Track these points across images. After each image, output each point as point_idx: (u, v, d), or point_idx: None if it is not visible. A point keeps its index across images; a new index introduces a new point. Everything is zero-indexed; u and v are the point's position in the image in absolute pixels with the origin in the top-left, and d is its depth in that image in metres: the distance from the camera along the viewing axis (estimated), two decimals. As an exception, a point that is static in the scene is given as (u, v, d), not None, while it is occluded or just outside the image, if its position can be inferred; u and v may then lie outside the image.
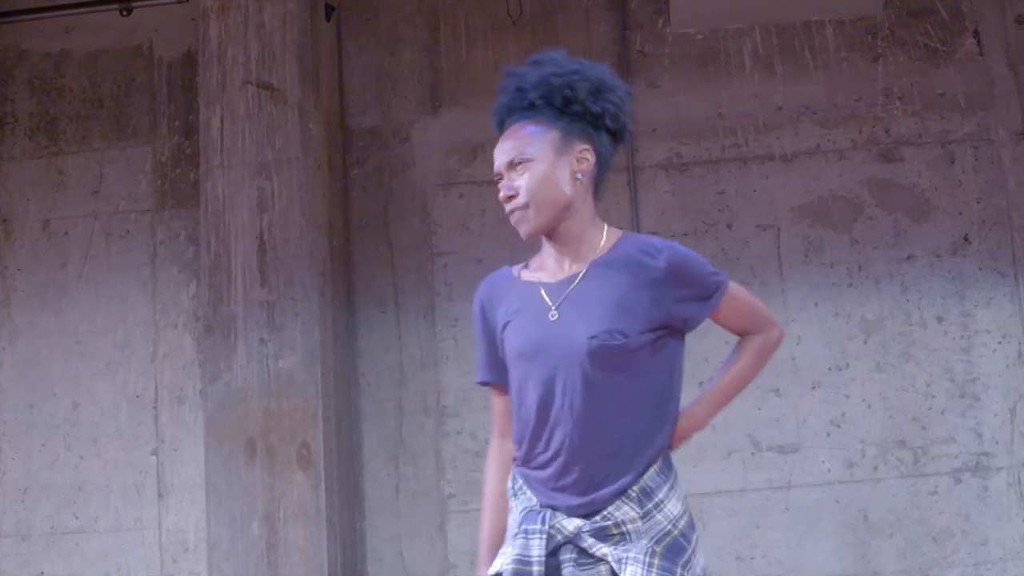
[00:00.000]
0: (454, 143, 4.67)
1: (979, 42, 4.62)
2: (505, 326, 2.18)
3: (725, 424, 4.38)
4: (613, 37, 4.74)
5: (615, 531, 2.06)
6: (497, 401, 2.28)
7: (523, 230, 2.14)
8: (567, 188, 2.13)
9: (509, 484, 2.21)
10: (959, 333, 4.42)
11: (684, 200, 4.58)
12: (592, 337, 2.05)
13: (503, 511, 2.22)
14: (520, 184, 2.12)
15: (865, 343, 4.43)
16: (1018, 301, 4.41)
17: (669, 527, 2.08)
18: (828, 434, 4.38)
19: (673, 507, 2.10)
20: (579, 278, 2.12)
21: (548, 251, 2.20)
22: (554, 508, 2.09)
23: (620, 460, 2.07)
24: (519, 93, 2.17)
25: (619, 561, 2.03)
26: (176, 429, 4.59)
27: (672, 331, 2.13)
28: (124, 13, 4.82)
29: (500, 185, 2.16)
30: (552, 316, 2.11)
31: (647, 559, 2.02)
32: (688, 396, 2.26)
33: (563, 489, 2.09)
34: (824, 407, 4.40)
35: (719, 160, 4.61)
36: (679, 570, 2.03)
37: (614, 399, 2.07)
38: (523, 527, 2.10)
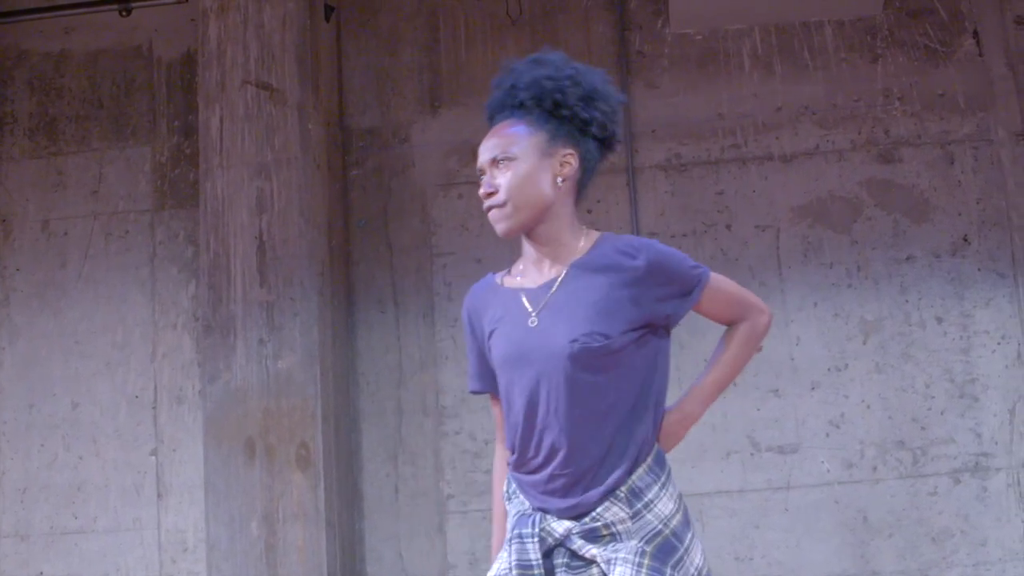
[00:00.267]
0: (454, 143, 4.67)
1: (978, 43, 4.62)
2: (491, 334, 2.18)
3: (724, 424, 4.38)
4: (612, 37, 4.74)
5: (605, 532, 2.05)
6: (495, 409, 2.28)
7: (499, 228, 2.14)
8: (547, 191, 2.13)
9: (504, 488, 2.22)
10: (958, 334, 4.42)
11: (683, 201, 4.58)
12: (573, 340, 2.05)
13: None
14: (501, 182, 2.12)
15: (864, 344, 4.43)
16: (1017, 302, 4.41)
17: (660, 527, 2.07)
18: (827, 435, 4.38)
19: (664, 506, 2.09)
20: (558, 282, 2.12)
21: (527, 254, 2.20)
22: (545, 511, 2.09)
23: (608, 461, 2.07)
24: (511, 91, 2.18)
25: (608, 562, 2.03)
26: (175, 429, 4.59)
27: (655, 329, 2.12)
28: (124, 13, 4.82)
29: (481, 180, 2.16)
30: (532, 322, 2.11)
31: (636, 559, 2.01)
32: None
33: (553, 492, 2.09)
34: (823, 407, 4.40)
35: (718, 161, 4.61)
36: (669, 570, 2.02)
37: (599, 400, 2.06)
38: (516, 531, 2.10)
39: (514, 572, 2.07)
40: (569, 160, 2.15)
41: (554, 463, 2.08)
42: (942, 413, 4.37)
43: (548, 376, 2.07)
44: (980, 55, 4.62)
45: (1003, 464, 4.32)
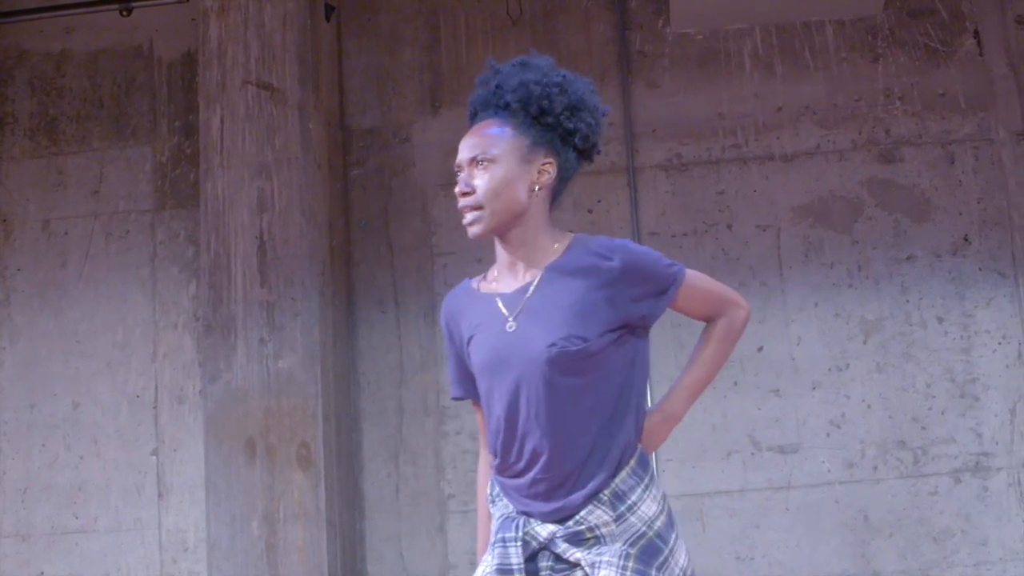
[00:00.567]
0: (454, 143, 4.57)
1: (979, 42, 4.62)
2: (469, 340, 2.17)
3: (725, 424, 4.38)
4: (613, 37, 4.74)
5: (589, 535, 2.05)
6: (478, 414, 2.28)
7: (472, 230, 2.13)
8: (523, 197, 2.11)
9: (488, 491, 2.21)
10: (959, 333, 4.42)
11: (684, 200, 4.58)
12: (551, 345, 2.04)
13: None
14: (479, 184, 2.11)
15: (865, 343, 4.43)
16: (1018, 301, 4.41)
17: (644, 529, 2.06)
18: (828, 434, 4.38)
19: (648, 508, 2.08)
20: (534, 286, 2.11)
21: (501, 257, 2.18)
22: (529, 515, 2.09)
23: (590, 464, 2.06)
24: (497, 91, 2.16)
25: (592, 565, 2.02)
26: (176, 429, 4.60)
27: (632, 329, 2.11)
28: (124, 13, 4.82)
29: (458, 178, 2.15)
30: (510, 327, 2.10)
31: (621, 562, 2.00)
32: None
33: (536, 496, 2.08)
34: (824, 407, 4.40)
35: (719, 160, 4.61)
36: (654, 572, 2.01)
37: (579, 404, 2.06)
38: (500, 535, 2.10)
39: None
40: (548, 169, 2.14)
41: (536, 467, 2.07)
42: (943, 413, 4.37)
43: (527, 381, 2.06)
44: (981, 55, 4.61)
45: (1004, 464, 4.31)
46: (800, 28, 4.68)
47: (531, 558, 2.08)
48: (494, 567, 2.07)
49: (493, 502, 2.18)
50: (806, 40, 4.68)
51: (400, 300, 4.60)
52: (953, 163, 4.54)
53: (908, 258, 4.48)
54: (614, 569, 2.00)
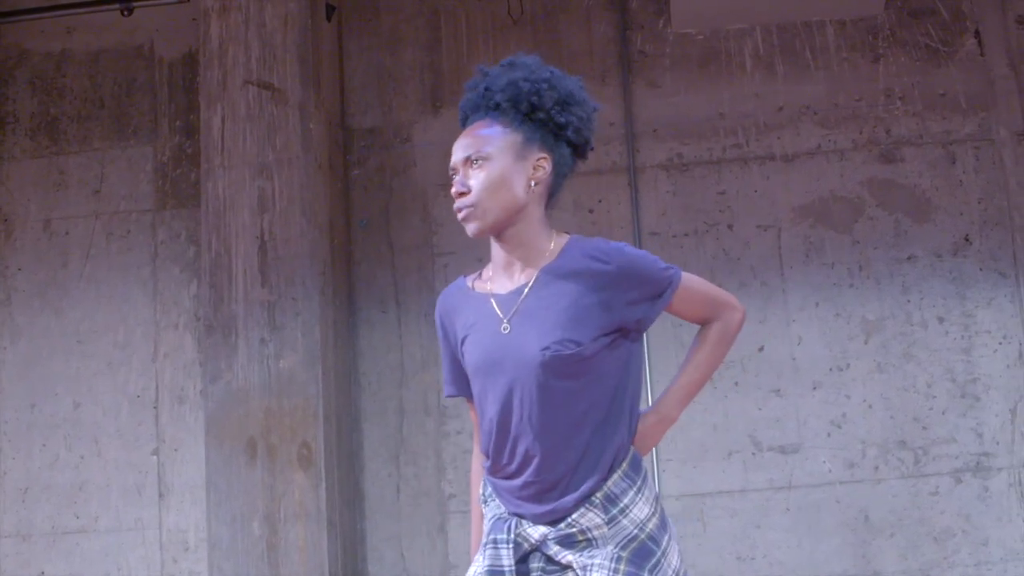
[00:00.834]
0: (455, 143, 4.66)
1: (980, 42, 4.62)
2: (463, 340, 2.17)
3: (726, 424, 4.38)
4: (614, 37, 4.74)
5: (581, 538, 2.05)
6: (471, 412, 2.28)
7: (470, 228, 2.13)
8: (519, 193, 2.11)
9: (480, 491, 2.21)
10: (960, 333, 4.42)
11: (685, 200, 4.58)
12: (545, 348, 2.03)
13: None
14: (473, 183, 2.11)
15: (866, 343, 4.43)
16: (1019, 301, 4.41)
17: (636, 531, 2.06)
18: (829, 434, 4.38)
19: (640, 511, 2.08)
20: (528, 287, 2.11)
21: (496, 257, 2.18)
22: (521, 516, 2.09)
23: (582, 467, 2.06)
24: (487, 93, 2.17)
25: (584, 568, 2.03)
26: (177, 429, 4.60)
27: (626, 332, 2.10)
28: (125, 13, 4.82)
29: (453, 180, 2.15)
30: (504, 329, 2.10)
31: (612, 564, 2.00)
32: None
33: (528, 498, 2.08)
34: (825, 407, 4.40)
35: (720, 160, 4.61)
36: (645, 574, 2.01)
37: (572, 407, 2.05)
38: (492, 536, 2.10)
39: None
40: (542, 164, 2.14)
41: (528, 470, 2.07)
42: (943, 413, 4.37)
43: (521, 383, 2.06)
44: (982, 55, 4.62)
45: (1004, 464, 4.32)
46: (801, 28, 4.68)
47: (522, 560, 2.08)
48: (485, 568, 2.07)
49: (485, 502, 2.18)
50: (807, 40, 4.68)
51: (401, 300, 4.61)
52: (954, 163, 4.54)
53: (909, 258, 4.48)
54: (606, 572, 2.00)
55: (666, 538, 2.09)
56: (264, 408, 4.09)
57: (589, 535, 2.05)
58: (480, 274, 2.24)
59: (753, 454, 4.39)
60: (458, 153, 2.15)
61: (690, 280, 2.17)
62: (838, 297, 4.47)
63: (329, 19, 4.61)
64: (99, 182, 4.83)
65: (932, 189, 4.53)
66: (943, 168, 4.54)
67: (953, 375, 4.39)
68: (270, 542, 4.00)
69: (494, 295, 2.15)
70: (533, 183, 2.13)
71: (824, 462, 4.36)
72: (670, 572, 2.06)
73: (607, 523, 2.05)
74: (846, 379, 4.41)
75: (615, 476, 2.07)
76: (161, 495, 4.56)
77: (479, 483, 2.24)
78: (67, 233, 4.80)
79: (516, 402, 2.07)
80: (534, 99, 2.13)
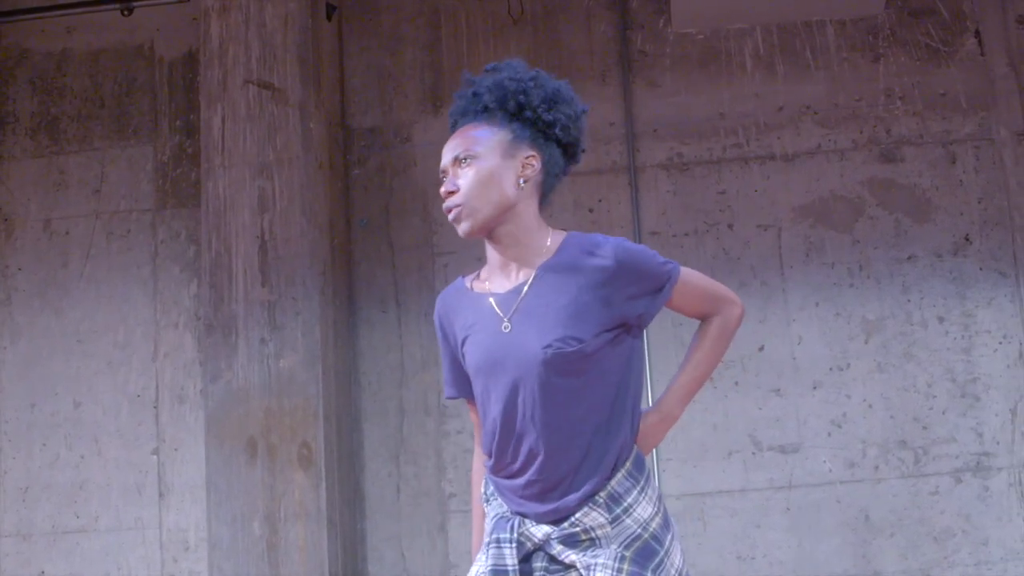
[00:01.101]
0: (455, 143, 4.66)
1: (980, 42, 4.62)
2: (464, 341, 2.17)
3: (726, 424, 4.38)
4: (614, 37, 4.74)
5: (584, 537, 2.05)
6: (472, 413, 2.28)
7: (461, 228, 2.13)
8: (509, 191, 2.11)
9: (482, 490, 2.21)
10: (960, 333, 4.42)
11: (685, 200, 4.59)
12: (547, 346, 2.03)
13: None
14: (463, 182, 2.13)
15: (866, 343, 4.43)
16: (1019, 301, 4.41)
17: (639, 531, 2.05)
18: (829, 434, 4.38)
19: (643, 510, 2.07)
20: (527, 286, 2.11)
21: (493, 258, 2.18)
22: (524, 515, 2.09)
23: (586, 466, 2.05)
24: (474, 97, 2.18)
25: (587, 567, 2.02)
26: (177, 428, 4.60)
27: (628, 328, 2.10)
28: (125, 13, 4.82)
29: (444, 182, 2.16)
30: (505, 328, 2.10)
31: (616, 564, 2.00)
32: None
33: (531, 497, 2.08)
34: (825, 407, 4.40)
35: (720, 160, 4.61)
36: (649, 574, 2.01)
37: (575, 405, 2.05)
38: (494, 535, 2.09)
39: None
40: (531, 162, 2.14)
41: (532, 469, 2.07)
42: (944, 413, 4.37)
43: (523, 382, 2.06)
44: (982, 54, 4.62)
45: (1004, 464, 4.32)
46: (801, 28, 4.68)
47: (526, 559, 2.07)
48: (489, 568, 2.07)
49: (487, 501, 2.18)
50: (807, 40, 4.68)
51: (401, 300, 4.61)
52: (954, 163, 4.54)
53: (909, 258, 4.48)
54: (609, 571, 2.00)
55: (669, 537, 2.09)
56: (264, 408, 4.09)
57: (592, 534, 2.04)
58: (478, 275, 2.24)
59: (753, 454, 4.39)
60: (447, 155, 2.17)
61: (689, 275, 2.17)
62: (838, 297, 4.47)
63: (329, 19, 4.61)
64: (99, 182, 4.83)
65: (932, 189, 4.53)
66: (943, 168, 4.54)
67: (953, 375, 4.39)
68: (270, 542, 4.00)
69: (493, 295, 2.15)
70: (522, 180, 2.13)
71: (824, 462, 4.36)
72: (673, 572, 2.06)
73: (610, 522, 2.04)
74: (846, 379, 4.41)
75: (619, 475, 2.07)
76: (161, 495, 4.56)
77: (480, 483, 2.24)
78: (67, 233, 4.80)
79: (519, 401, 2.07)
80: (521, 98, 2.13)
